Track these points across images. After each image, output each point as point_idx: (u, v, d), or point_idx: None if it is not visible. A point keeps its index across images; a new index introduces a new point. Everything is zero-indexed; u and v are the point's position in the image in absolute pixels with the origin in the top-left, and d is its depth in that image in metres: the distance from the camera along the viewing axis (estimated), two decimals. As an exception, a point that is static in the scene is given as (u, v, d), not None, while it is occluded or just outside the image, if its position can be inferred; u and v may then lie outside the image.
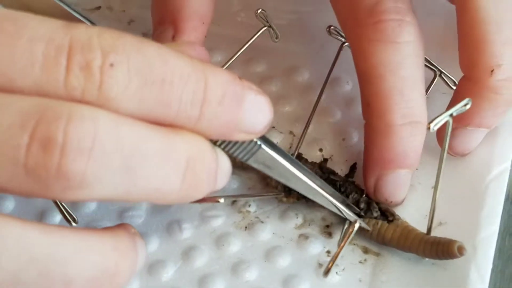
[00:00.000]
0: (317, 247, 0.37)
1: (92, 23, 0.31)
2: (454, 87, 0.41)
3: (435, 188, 0.35)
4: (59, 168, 0.24)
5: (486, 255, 0.36)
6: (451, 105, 0.37)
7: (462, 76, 0.38)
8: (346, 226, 0.38)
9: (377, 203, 0.38)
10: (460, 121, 0.38)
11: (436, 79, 0.41)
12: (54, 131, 0.24)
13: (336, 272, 0.36)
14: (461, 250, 0.34)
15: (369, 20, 0.37)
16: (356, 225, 0.35)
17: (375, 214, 0.37)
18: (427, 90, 0.40)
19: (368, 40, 0.37)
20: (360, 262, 0.37)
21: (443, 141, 0.33)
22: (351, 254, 0.37)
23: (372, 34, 0.37)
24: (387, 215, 0.37)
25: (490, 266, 0.35)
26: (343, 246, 0.36)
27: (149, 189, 0.27)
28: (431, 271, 0.36)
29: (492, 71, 0.36)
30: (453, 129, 0.38)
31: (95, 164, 0.25)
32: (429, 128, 0.31)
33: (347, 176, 0.40)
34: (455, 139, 0.39)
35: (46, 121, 0.24)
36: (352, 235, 0.36)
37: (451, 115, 0.31)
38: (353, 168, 0.40)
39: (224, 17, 0.41)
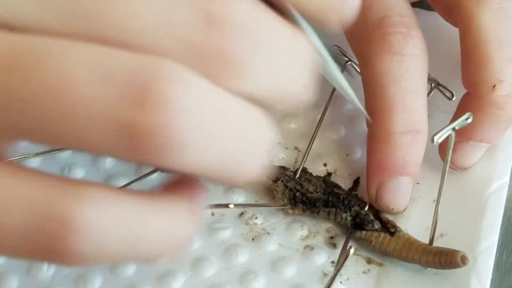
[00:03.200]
0: (322, 258, 0.38)
1: None
2: (452, 99, 0.42)
3: (438, 199, 0.36)
4: (156, 125, 0.22)
5: (486, 265, 0.37)
6: (453, 120, 0.39)
7: (465, 92, 0.40)
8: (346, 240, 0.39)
9: (379, 216, 0.39)
10: (462, 135, 0.39)
11: (433, 90, 0.43)
12: (153, 89, 0.22)
13: (341, 282, 0.37)
14: (464, 260, 0.35)
15: (377, 33, 0.38)
16: (351, 251, 0.36)
17: (376, 226, 0.38)
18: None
19: (375, 51, 0.38)
20: (364, 272, 0.38)
21: (446, 154, 0.35)
22: (354, 264, 0.38)
23: (379, 46, 0.38)
24: (388, 227, 0.38)
25: (490, 276, 0.36)
26: (337, 273, 0.36)
27: (229, 163, 0.25)
28: (433, 281, 0.37)
29: (494, 86, 0.38)
30: (455, 143, 0.39)
31: (190, 125, 0.23)
32: (432, 141, 0.32)
33: (350, 189, 0.41)
34: (457, 153, 0.40)
35: (147, 78, 0.22)
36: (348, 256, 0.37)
37: (453, 128, 0.33)
38: (356, 182, 0.41)
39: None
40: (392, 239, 0.38)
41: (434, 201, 0.37)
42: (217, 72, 0.23)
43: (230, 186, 0.27)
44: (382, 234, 0.38)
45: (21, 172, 0.23)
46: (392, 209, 0.39)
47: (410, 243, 0.37)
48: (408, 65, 0.38)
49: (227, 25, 0.23)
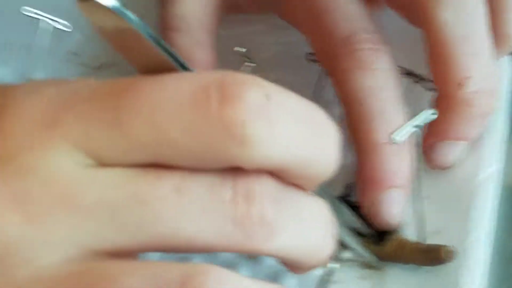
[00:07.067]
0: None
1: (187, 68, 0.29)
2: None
3: (418, 196, 0.37)
4: (262, 216, 0.27)
5: (476, 258, 0.37)
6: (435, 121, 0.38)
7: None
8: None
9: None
10: (437, 135, 0.39)
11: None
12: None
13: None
14: (448, 254, 0.36)
15: (345, 50, 0.39)
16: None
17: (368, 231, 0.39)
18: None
19: (345, 68, 0.39)
20: (359, 277, 0.39)
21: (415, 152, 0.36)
22: (349, 270, 0.39)
23: (349, 63, 0.39)
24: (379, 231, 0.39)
25: (481, 269, 0.37)
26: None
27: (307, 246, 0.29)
28: (426, 278, 0.37)
29: (460, 84, 0.38)
30: (431, 143, 0.40)
31: (282, 211, 0.27)
32: (392, 140, 0.32)
33: (343, 196, 0.41)
34: (434, 153, 0.40)
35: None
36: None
37: (416, 126, 0.33)
38: (348, 188, 0.41)
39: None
40: (384, 245, 0.38)
41: (428, 197, 0.38)
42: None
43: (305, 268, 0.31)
44: (372, 244, 0.39)
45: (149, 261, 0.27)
46: (387, 221, 0.39)
47: (403, 244, 0.38)
48: (380, 79, 0.38)
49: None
